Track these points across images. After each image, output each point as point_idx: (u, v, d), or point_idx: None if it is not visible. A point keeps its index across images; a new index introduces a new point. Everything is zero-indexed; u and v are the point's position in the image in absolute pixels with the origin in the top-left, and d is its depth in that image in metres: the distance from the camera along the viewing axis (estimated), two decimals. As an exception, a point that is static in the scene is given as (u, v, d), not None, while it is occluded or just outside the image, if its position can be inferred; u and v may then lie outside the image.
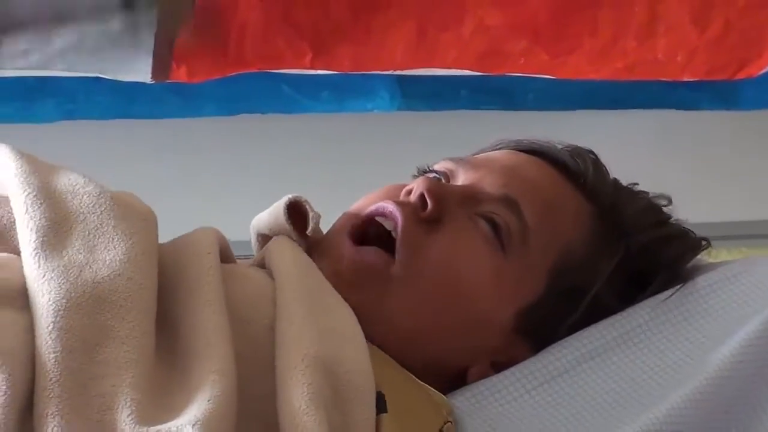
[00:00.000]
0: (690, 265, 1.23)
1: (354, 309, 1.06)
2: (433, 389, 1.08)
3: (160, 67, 2.00)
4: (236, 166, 2.62)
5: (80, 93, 2.12)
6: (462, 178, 1.16)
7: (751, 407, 1.14)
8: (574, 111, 2.18)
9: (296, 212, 1.12)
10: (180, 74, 2.02)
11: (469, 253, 1.11)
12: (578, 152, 1.23)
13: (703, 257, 1.26)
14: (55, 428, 0.89)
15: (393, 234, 1.11)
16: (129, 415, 0.90)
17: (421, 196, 1.11)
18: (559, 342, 1.17)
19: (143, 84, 2.03)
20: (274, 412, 0.95)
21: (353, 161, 2.47)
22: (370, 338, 1.05)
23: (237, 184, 2.58)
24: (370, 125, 2.45)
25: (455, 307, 1.12)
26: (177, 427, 0.90)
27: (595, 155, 1.24)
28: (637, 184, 1.26)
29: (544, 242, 1.14)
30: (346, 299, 1.07)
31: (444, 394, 1.09)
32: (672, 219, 1.24)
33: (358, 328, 1.04)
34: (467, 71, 2.10)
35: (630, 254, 1.19)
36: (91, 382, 0.92)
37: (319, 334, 1.00)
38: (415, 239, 1.10)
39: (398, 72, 2.13)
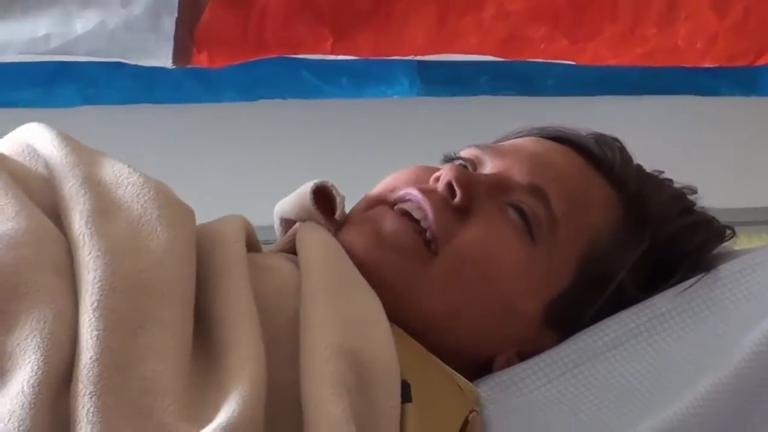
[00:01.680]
0: (713, 253, 1.22)
1: (386, 276, 1.07)
2: (460, 376, 1.08)
3: (181, 53, 2.00)
4: (256, 152, 2.63)
5: (101, 78, 2.12)
6: (489, 166, 1.15)
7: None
8: (594, 97, 2.18)
9: (322, 197, 1.11)
10: (201, 59, 2.02)
11: (500, 242, 1.11)
12: (604, 140, 1.23)
13: (727, 245, 1.24)
14: (91, 408, 0.88)
15: (423, 223, 1.10)
16: (170, 404, 0.90)
17: (449, 185, 1.11)
18: (582, 331, 1.17)
19: (164, 69, 2.03)
20: (300, 399, 0.94)
21: (372, 147, 2.46)
22: (395, 317, 1.04)
23: (256, 169, 2.58)
24: (389, 111, 2.45)
25: (486, 295, 1.11)
26: None
27: (621, 143, 1.24)
28: (662, 171, 1.25)
29: (572, 231, 1.14)
30: (381, 261, 1.07)
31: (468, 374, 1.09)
32: (697, 208, 1.22)
33: (384, 315, 1.04)
34: (487, 57, 2.10)
35: (655, 243, 1.18)
36: (132, 364, 0.92)
37: (343, 322, 1.00)
38: (448, 228, 1.10)
39: (418, 58, 2.13)
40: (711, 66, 2.08)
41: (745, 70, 2.12)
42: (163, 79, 2.21)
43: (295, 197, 1.13)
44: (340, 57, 2.12)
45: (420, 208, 1.11)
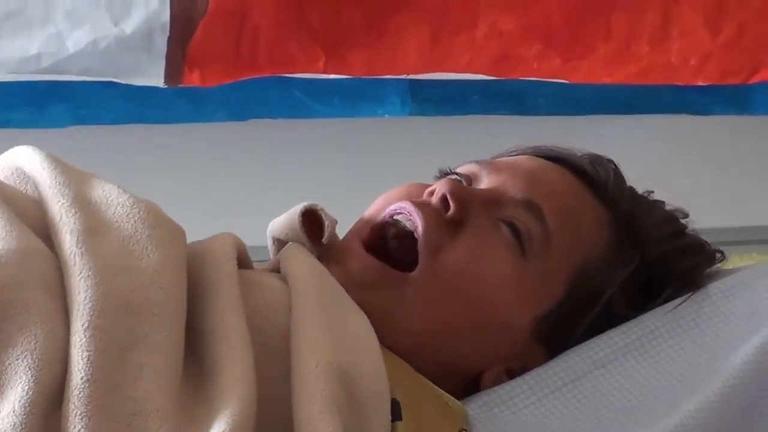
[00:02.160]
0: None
1: (367, 310, 1.06)
2: (448, 395, 1.08)
3: (173, 72, 2.01)
4: (247, 171, 2.63)
5: (92, 98, 2.12)
6: (485, 182, 1.16)
7: (762, 415, 1.14)
8: (587, 116, 2.18)
9: (311, 219, 1.12)
10: (193, 79, 2.02)
11: (491, 257, 1.11)
12: (598, 160, 1.24)
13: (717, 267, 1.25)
14: (82, 429, 0.88)
15: (415, 235, 1.10)
16: (161, 426, 0.90)
17: (444, 198, 1.11)
18: (570, 349, 1.17)
19: (155, 89, 2.03)
20: (290, 416, 0.95)
21: (364, 167, 2.46)
22: (382, 340, 1.04)
23: (247, 189, 2.58)
24: (381, 130, 2.46)
25: (474, 310, 1.12)
26: None
27: (615, 164, 1.24)
28: (653, 192, 1.26)
29: (564, 248, 1.15)
30: (359, 301, 1.07)
31: (456, 392, 1.09)
32: (688, 230, 1.24)
33: (373, 333, 1.04)
34: (480, 76, 2.10)
35: (645, 263, 1.19)
36: (123, 384, 0.92)
37: (333, 339, 1.00)
38: (437, 241, 1.10)
39: (410, 77, 2.13)
40: (704, 84, 2.09)
41: (737, 89, 2.13)
42: (154, 99, 2.20)
43: (286, 217, 1.14)
44: (332, 76, 2.12)
45: (411, 219, 1.11)
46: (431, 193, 1.13)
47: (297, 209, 1.13)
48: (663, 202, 1.26)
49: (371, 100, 2.27)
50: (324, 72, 2.06)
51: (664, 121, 2.21)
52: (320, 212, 1.12)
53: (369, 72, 2.08)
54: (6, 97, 2.13)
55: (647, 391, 1.14)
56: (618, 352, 1.17)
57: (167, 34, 2.00)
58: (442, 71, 2.09)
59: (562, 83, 2.11)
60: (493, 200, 1.13)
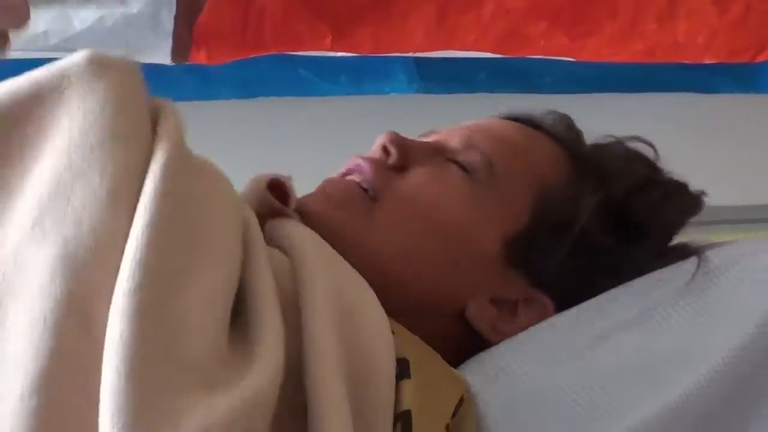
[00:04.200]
0: (704, 244, 1.24)
1: (342, 230, 1.11)
2: (451, 367, 1.10)
3: (179, 50, 2.01)
4: (253, 148, 2.63)
5: None
6: (432, 138, 1.22)
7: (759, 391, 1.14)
8: (593, 94, 2.19)
9: (275, 190, 1.15)
10: (199, 56, 2.03)
11: (444, 182, 1.17)
12: (552, 112, 1.30)
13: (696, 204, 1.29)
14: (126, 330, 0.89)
15: (363, 184, 1.15)
16: (203, 344, 0.91)
17: (383, 147, 1.17)
18: (570, 319, 1.19)
19: (162, 66, 2.02)
20: (300, 374, 0.96)
21: (371, 144, 2.46)
22: (360, 266, 1.07)
23: (253, 165, 2.58)
24: (388, 108, 2.46)
25: (438, 234, 1.15)
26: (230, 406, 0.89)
27: (569, 118, 1.30)
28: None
29: (514, 175, 1.18)
30: (336, 220, 1.12)
31: (453, 343, 1.13)
32: (655, 163, 1.28)
33: (374, 295, 1.05)
34: (486, 54, 2.11)
35: (611, 194, 1.22)
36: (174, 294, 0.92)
37: (341, 304, 1.01)
38: (384, 178, 1.15)
39: (417, 54, 2.14)
40: (711, 62, 2.09)
41: (744, 67, 2.14)
42: (161, 76, 2.21)
43: (248, 192, 1.17)
44: (339, 54, 2.12)
45: (360, 171, 1.16)
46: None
47: (261, 183, 1.16)
48: (624, 144, 1.29)
49: (378, 78, 2.27)
50: (330, 49, 2.07)
51: (670, 100, 2.22)
52: (286, 182, 1.15)
53: (375, 50, 2.08)
54: (14, 74, 2.11)
55: (650, 363, 1.14)
56: (620, 325, 1.18)
57: (174, 11, 1.99)
58: (449, 49, 2.09)
59: (568, 61, 2.11)
60: (435, 148, 1.19)
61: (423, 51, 2.11)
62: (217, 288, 0.95)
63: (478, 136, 1.20)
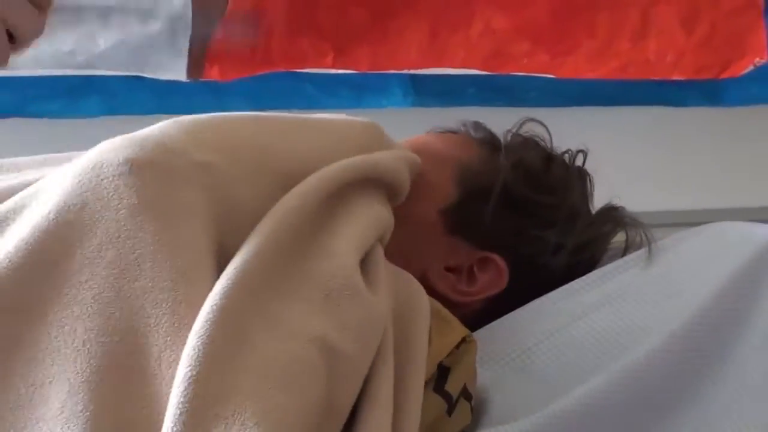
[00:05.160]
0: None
1: None
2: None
3: (194, 67, 2.02)
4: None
5: (121, 91, 2.11)
6: None
7: (722, 344, 1.18)
8: (572, 107, 2.18)
9: None
10: (212, 73, 2.03)
11: None
12: (465, 122, 1.40)
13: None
14: None
15: None
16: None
17: None
18: (550, 304, 1.24)
19: (178, 82, 2.04)
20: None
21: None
22: None
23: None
24: (385, 120, 2.44)
25: None
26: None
27: (479, 122, 1.39)
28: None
29: (434, 160, 1.26)
30: None
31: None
32: (543, 143, 1.38)
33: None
34: (474, 70, 2.10)
35: (521, 158, 1.31)
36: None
37: None
38: None
39: (412, 71, 2.12)
40: (679, 79, 2.10)
41: (710, 83, 2.13)
42: (178, 91, 2.20)
43: None
44: (340, 71, 2.12)
45: None
46: None
47: None
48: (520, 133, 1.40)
49: (376, 93, 2.26)
50: (332, 67, 2.07)
51: (642, 112, 2.21)
52: None
53: (373, 67, 2.08)
54: (44, 89, 2.12)
55: (616, 335, 1.17)
56: (591, 307, 1.22)
57: (189, 32, 2.01)
58: (441, 66, 2.09)
59: (549, 78, 2.11)
60: None
61: (417, 68, 2.11)
62: None
63: (405, 145, 1.26)
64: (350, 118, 1.18)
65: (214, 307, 0.87)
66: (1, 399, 0.87)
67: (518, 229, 1.28)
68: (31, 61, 2.00)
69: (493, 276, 1.26)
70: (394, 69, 2.11)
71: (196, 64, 2.03)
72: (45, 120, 2.09)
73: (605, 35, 2.08)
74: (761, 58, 2.07)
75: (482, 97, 2.19)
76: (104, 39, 2.01)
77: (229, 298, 0.88)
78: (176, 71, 2.03)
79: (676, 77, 2.09)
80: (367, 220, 1.06)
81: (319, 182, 1.02)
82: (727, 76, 2.08)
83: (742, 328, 1.19)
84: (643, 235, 1.32)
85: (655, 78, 2.10)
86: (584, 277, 1.28)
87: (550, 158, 1.37)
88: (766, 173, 2.29)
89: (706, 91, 2.17)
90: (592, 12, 2.08)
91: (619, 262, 1.29)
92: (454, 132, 1.40)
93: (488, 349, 1.18)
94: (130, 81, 2.10)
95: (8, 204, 0.98)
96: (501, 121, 1.43)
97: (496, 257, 1.26)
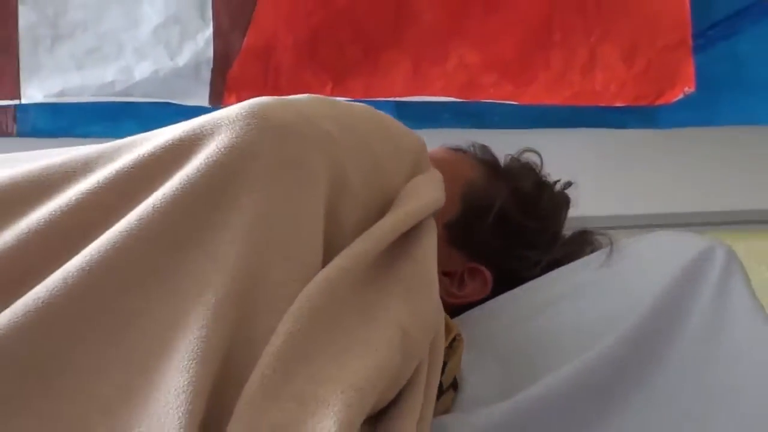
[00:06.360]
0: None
1: None
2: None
3: (215, 95, 2.04)
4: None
5: (153, 115, 2.07)
6: None
7: (676, 318, 1.17)
8: (531, 129, 2.18)
9: None
10: (231, 100, 2.03)
11: None
12: (474, 143, 1.39)
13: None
14: None
15: None
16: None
17: None
18: (515, 295, 1.24)
19: (202, 108, 2.02)
20: None
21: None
22: None
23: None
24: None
25: None
26: None
27: (486, 146, 1.39)
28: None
29: (449, 177, 1.19)
30: None
31: None
32: (538, 170, 1.37)
33: None
34: (450, 98, 2.11)
35: (519, 187, 1.31)
36: None
37: None
38: None
39: (398, 99, 2.13)
40: (621, 105, 2.11)
41: (647, 109, 2.13)
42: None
43: None
44: (338, 99, 2.11)
45: None
46: None
47: None
48: (518, 159, 1.38)
49: (367, 117, 2.25)
50: (331, 95, 2.06)
51: (590, 133, 2.21)
52: None
53: (366, 95, 2.08)
54: (88, 114, 2.12)
55: (583, 324, 1.18)
56: (554, 299, 1.22)
57: (211, 66, 2.03)
58: (422, 94, 2.10)
59: (512, 104, 2.12)
60: None
61: (402, 96, 2.11)
62: None
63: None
64: (410, 131, 1.12)
65: (323, 283, 0.85)
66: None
67: (506, 247, 1.28)
68: (79, 90, 2.02)
69: (480, 284, 1.27)
70: (383, 97, 2.11)
71: (217, 92, 2.04)
72: (90, 139, 1.99)
73: (559, 69, 2.08)
74: (689, 88, 2.06)
75: (456, 120, 2.18)
76: (139, 72, 2.03)
77: (337, 278, 0.86)
78: (200, 98, 2.03)
79: (618, 104, 2.09)
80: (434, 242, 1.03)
81: (404, 219, 0.98)
82: (661, 103, 2.08)
83: (679, 324, 1.17)
84: (605, 244, 1.30)
85: (601, 104, 2.10)
86: (545, 276, 1.27)
87: (541, 186, 1.35)
88: (693, 184, 2.30)
89: (644, 116, 2.16)
90: (548, 50, 2.08)
91: (575, 264, 1.28)
92: (464, 151, 1.38)
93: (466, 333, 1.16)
94: (160, 107, 2.07)
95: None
96: (470, 140, 1.46)
97: (484, 269, 1.26)
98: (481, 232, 1.27)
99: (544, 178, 1.39)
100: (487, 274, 1.28)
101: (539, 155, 1.40)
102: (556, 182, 1.39)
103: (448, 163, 1.30)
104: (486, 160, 1.37)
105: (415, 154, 1.09)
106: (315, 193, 0.89)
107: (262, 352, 0.80)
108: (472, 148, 1.38)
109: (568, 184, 1.39)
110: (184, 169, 0.87)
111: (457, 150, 1.38)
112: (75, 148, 0.99)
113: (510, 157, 1.39)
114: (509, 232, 1.29)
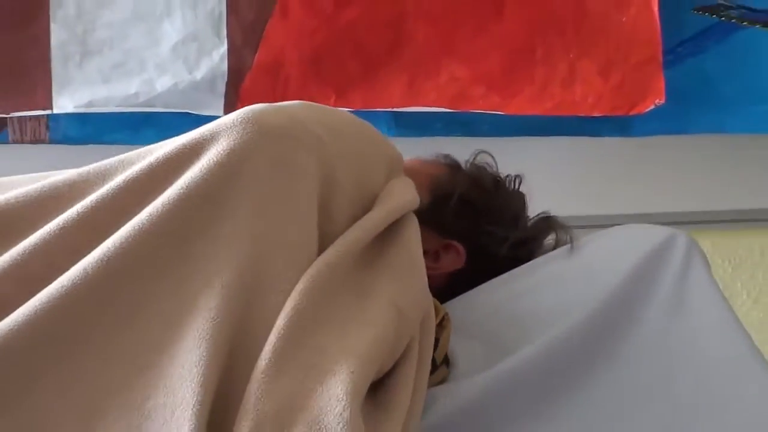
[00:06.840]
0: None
1: None
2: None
3: (229, 107, 2.05)
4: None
5: (173, 124, 2.06)
6: None
7: (643, 293, 1.21)
8: (516, 137, 2.16)
9: None
10: (243, 111, 2.05)
11: None
12: (438, 154, 1.46)
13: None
14: None
15: None
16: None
17: None
18: (497, 284, 1.29)
19: (217, 117, 1.91)
20: None
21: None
22: None
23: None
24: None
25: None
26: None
27: (449, 154, 1.46)
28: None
29: (416, 177, 1.24)
30: None
31: None
32: (489, 167, 1.44)
33: None
34: (442, 109, 2.12)
35: (474, 176, 1.39)
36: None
37: None
38: None
39: (394, 109, 2.13)
40: (598, 115, 2.12)
41: (621, 119, 2.13)
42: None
43: None
44: (326, 106, 2.07)
45: None
46: None
47: None
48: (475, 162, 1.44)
49: (366, 126, 2.27)
50: (334, 106, 2.04)
51: (570, 141, 2.18)
52: None
53: (365, 106, 2.09)
54: (114, 123, 2.11)
55: (551, 308, 1.21)
56: (531, 287, 1.27)
57: (226, 79, 2.04)
58: (416, 105, 2.11)
59: (499, 114, 2.13)
60: None
61: (398, 107, 2.12)
62: None
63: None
64: (388, 141, 1.16)
65: (323, 266, 0.89)
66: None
67: (472, 224, 1.34)
68: (105, 101, 2.03)
69: (453, 256, 1.32)
70: (381, 107, 2.10)
71: (230, 104, 2.04)
72: (115, 146, 2.05)
73: (542, 82, 2.09)
74: (660, 100, 2.06)
75: (447, 129, 2.18)
76: (160, 85, 2.04)
77: (337, 256, 0.90)
78: (215, 109, 2.04)
79: (595, 114, 2.10)
80: (416, 234, 1.08)
81: (387, 214, 1.02)
82: (634, 113, 2.08)
83: (647, 300, 1.21)
84: (568, 236, 1.36)
85: (580, 114, 2.10)
86: (520, 267, 1.32)
87: (497, 180, 1.42)
88: (663, 187, 2.31)
89: (619, 125, 2.16)
90: (532, 65, 2.09)
91: (548, 255, 1.33)
92: (429, 159, 1.47)
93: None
94: (179, 116, 2.07)
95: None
96: (462, 147, 1.51)
97: (456, 243, 1.32)
98: (448, 214, 1.32)
99: (497, 172, 1.44)
100: (460, 247, 1.34)
101: (492, 156, 1.46)
102: (507, 175, 1.44)
103: (417, 167, 1.36)
104: (448, 163, 1.44)
105: (392, 159, 1.14)
106: (308, 188, 0.94)
107: (270, 327, 0.84)
108: (437, 157, 1.46)
109: (518, 176, 1.44)
110: (188, 172, 0.92)
111: (425, 159, 1.45)
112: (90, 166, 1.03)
113: (468, 162, 1.46)
114: (472, 211, 1.35)
